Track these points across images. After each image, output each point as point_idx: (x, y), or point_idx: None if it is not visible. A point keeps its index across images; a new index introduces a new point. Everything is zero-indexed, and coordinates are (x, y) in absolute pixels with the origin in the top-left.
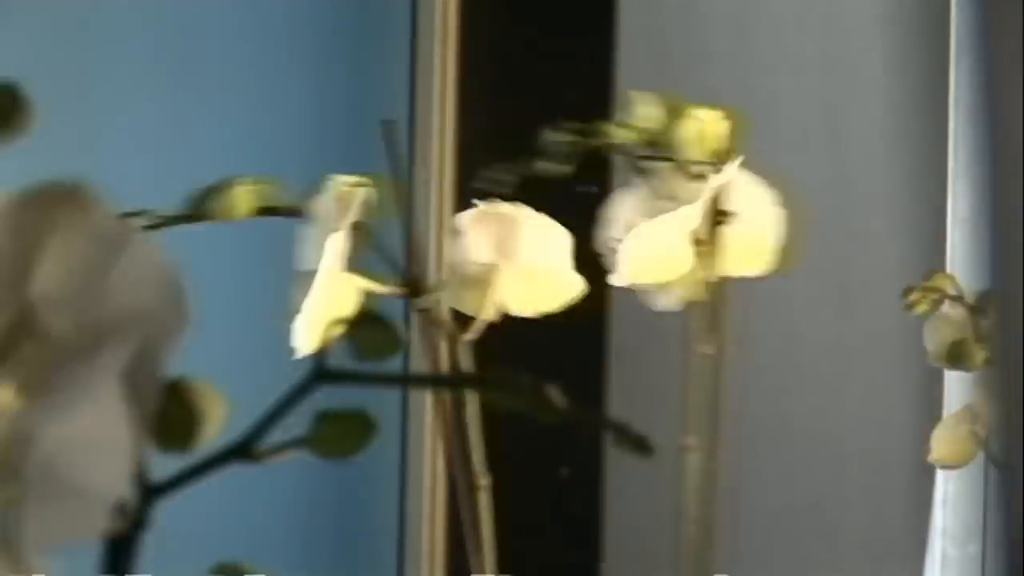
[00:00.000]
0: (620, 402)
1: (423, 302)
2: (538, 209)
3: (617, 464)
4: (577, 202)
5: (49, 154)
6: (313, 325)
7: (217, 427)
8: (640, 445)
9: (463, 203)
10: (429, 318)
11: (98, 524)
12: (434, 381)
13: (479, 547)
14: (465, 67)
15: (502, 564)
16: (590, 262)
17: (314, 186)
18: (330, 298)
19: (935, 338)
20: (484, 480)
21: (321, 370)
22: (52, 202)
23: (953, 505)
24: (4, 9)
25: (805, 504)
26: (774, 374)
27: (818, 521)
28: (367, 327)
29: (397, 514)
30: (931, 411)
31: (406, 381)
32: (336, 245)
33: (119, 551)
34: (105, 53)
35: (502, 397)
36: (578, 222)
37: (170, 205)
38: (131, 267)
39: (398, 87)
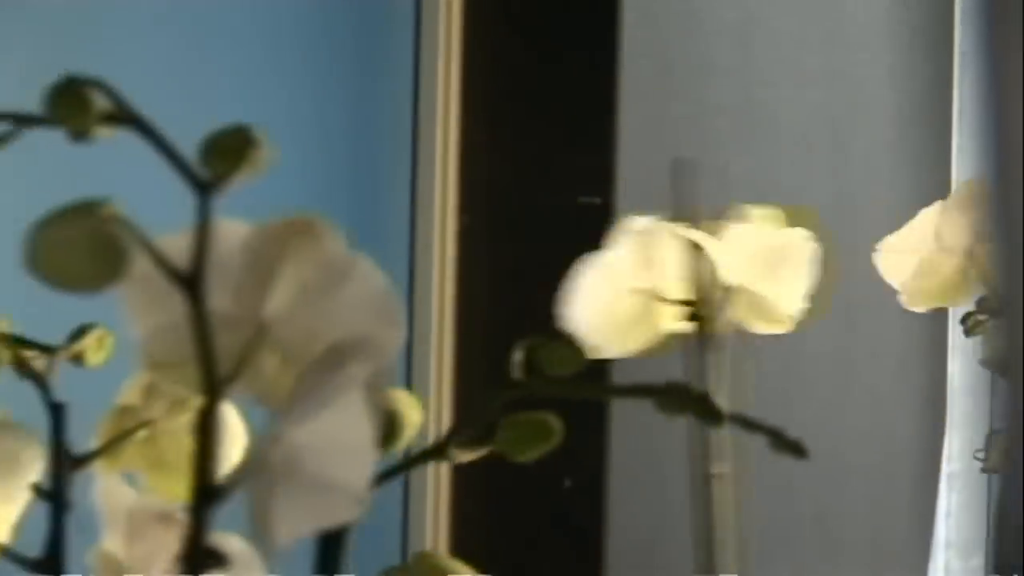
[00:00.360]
0: (622, 414)
1: (710, 319)
2: (541, 221)
3: (619, 475)
4: (580, 214)
5: (56, 153)
6: (608, 336)
7: (416, 431)
8: (795, 448)
9: (465, 207)
10: (705, 334)
11: (345, 516)
12: (615, 391)
13: (710, 540)
14: (468, 79)
15: (506, 574)
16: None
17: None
18: (628, 313)
19: (989, 349)
20: (719, 469)
21: (509, 380)
22: (288, 232)
23: (956, 517)
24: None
25: (808, 515)
26: (776, 386)
27: (821, 532)
28: (553, 343)
29: (400, 513)
30: (934, 423)
31: (591, 391)
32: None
33: (334, 546)
34: (110, 56)
35: (673, 403)
36: (580, 234)
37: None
38: (356, 291)
39: (402, 99)
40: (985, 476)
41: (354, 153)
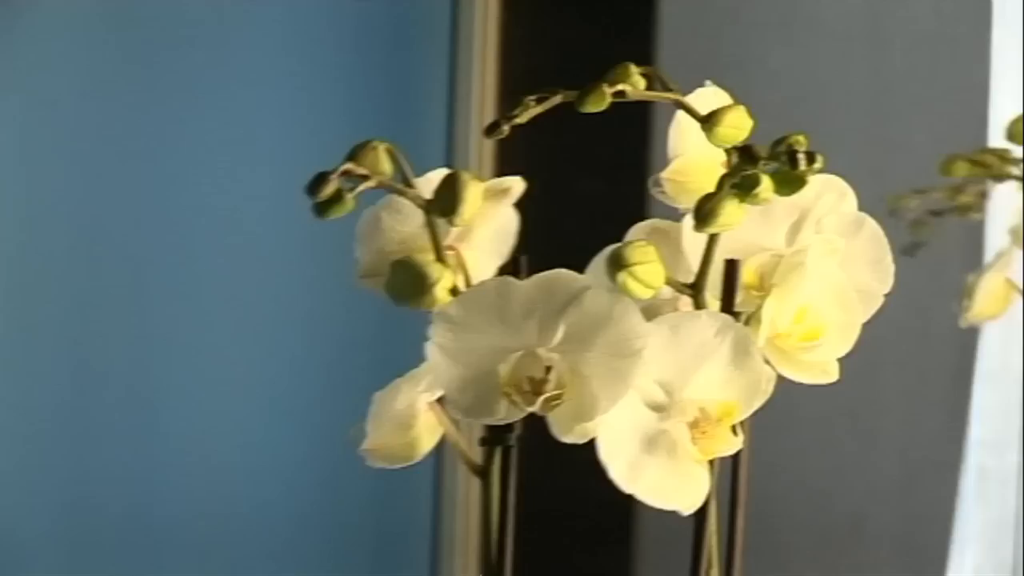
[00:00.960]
0: None
1: None
2: (581, 115)
3: None
4: (619, 110)
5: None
6: None
7: None
8: None
9: (504, 101)
10: None
11: None
12: None
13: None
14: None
15: (537, 467)
16: None
17: None
18: None
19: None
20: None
21: None
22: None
23: (990, 415)
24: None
25: (841, 412)
26: None
27: (853, 429)
28: None
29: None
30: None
31: None
32: None
33: None
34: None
35: None
36: (619, 129)
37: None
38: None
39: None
40: (1020, 374)
41: (393, 49)
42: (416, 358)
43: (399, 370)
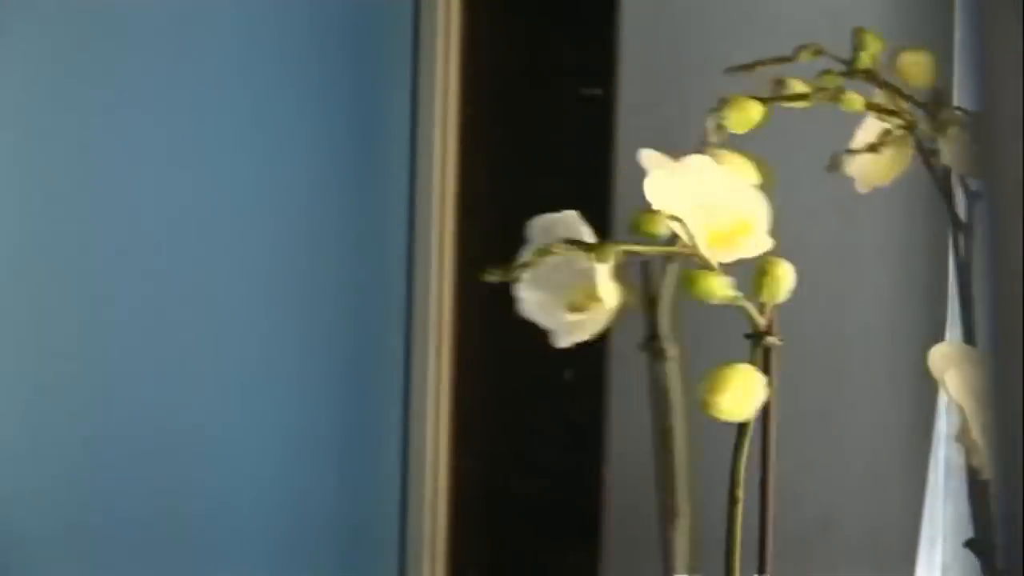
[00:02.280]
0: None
1: None
2: (543, 112)
3: (621, 367)
4: (581, 105)
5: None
6: None
7: None
8: None
9: (467, 99)
10: None
11: None
12: None
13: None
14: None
15: (505, 467)
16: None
17: None
18: None
19: None
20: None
21: None
22: None
23: (956, 411)
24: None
25: (809, 412)
26: None
27: (821, 429)
28: None
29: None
30: (936, 324)
31: None
32: None
33: None
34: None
35: None
36: (582, 125)
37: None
38: None
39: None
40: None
41: (354, 44)
42: (382, 358)
43: (364, 369)
